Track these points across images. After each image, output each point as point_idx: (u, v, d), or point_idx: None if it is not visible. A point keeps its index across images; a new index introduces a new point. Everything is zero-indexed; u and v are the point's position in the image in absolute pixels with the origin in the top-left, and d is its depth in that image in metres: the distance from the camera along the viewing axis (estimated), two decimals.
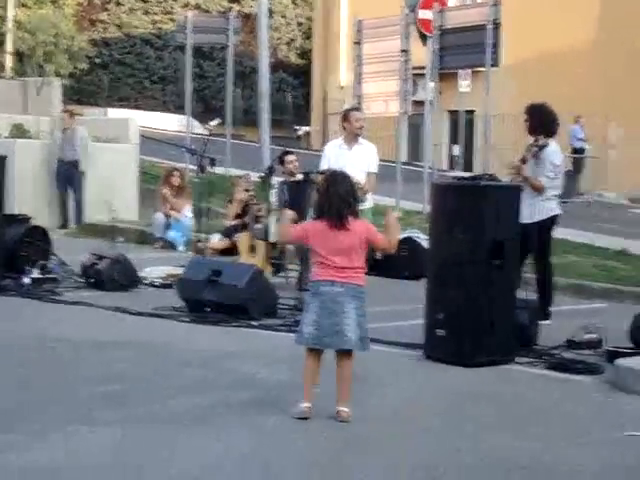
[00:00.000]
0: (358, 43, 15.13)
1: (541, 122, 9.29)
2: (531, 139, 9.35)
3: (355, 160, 10.09)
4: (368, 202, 10.20)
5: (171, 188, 14.86)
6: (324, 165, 10.03)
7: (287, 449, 5.46)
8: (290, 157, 11.76)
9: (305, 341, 5.99)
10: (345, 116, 10.32)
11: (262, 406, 6.26)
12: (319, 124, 33.00)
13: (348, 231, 5.95)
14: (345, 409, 5.92)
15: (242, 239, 11.34)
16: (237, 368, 7.31)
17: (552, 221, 9.31)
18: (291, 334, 6.84)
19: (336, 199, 5.97)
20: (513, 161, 9.49)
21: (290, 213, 6.95)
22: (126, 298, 10.11)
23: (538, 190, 9.07)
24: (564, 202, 22.75)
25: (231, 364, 7.45)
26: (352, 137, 10.23)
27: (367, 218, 9.89)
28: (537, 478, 5.19)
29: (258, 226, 11.16)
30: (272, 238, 10.56)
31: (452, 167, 28.87)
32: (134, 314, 9.29)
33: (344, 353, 6.00)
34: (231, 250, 13.07)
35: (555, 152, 9.26)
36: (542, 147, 9.18)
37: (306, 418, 5.89)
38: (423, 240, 12.53)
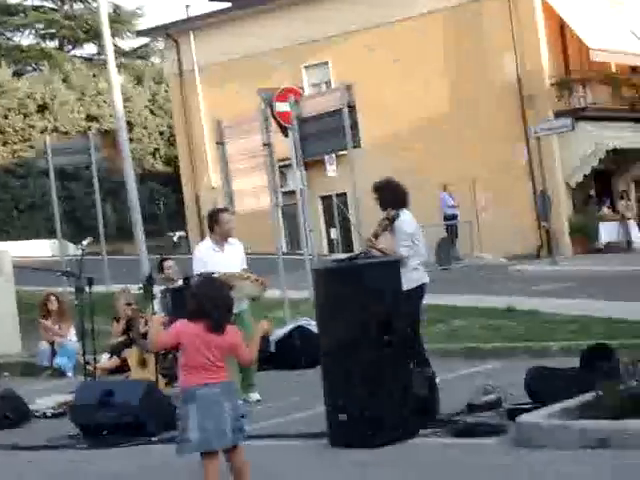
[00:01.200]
0: (221, 143, 15.21)
1: (389, 196, 9.49)
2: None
3: (229, 261, 10.08)
4: (245, 303, 10.10)
5: (50, 314, 14.54)
6: (200, 268, 9.93)
7: None
8: (168, 263, 11.68)
9: (195, 448, 5.98)
10: (214, 218, 10.26)
11: None
12: (196, 228, 32.93)
13: (224, 335, 6.03)
14: None
15: (131, 354, 11.14)
16: None
17: (420, 290, 9.39)
18: None
19: (218, 303, 6.05)
20: (368, 237, 9.68)
21: (157, 318, 6.89)
22: (19, 434, 9.75)
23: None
24: (444, 269, 23.37)
25: None
26: (222, 238, 10.23)
27: (244, 320, 9.83)
28: None
29: (145, 340, 10.98)
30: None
31: (332, 250, 29.15)
32: (26, 449, 8.94)
33: (234, 449, 6.05)
34: (122, 368, 12.82)
35: (406, 221, 9.41)
36: (393, 219, 9.35)
37: None
38: (314, 327, 12.54)
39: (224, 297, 6.12)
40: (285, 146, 15.36)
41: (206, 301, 6.04)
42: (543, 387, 8.01)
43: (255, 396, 10.18)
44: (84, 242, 11.68)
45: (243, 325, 9.61)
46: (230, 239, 10.28)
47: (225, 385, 6.05)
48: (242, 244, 10.50)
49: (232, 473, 6.13)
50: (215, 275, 8.79)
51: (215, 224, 10.18)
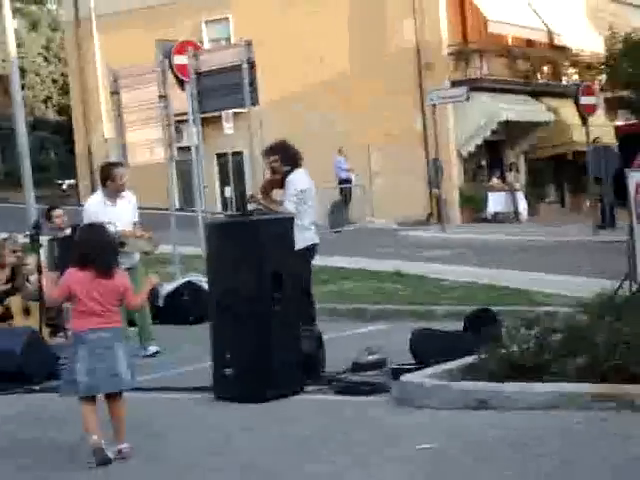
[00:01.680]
0: (116, 93, 14.91)
1: (282, 156, 9.48)
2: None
3: (120, 215, 9.98)
4: (136, 260, 10.10)
5: None
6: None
7: None
8: (57, 212, 11.45)
9: (83, 391, 6.08)
10: (107, 173, 10.10)
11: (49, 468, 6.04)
12: (86, 178, 32.38)
13: (113, 279, 6.21)
14: (126, 445, 6.15)
15: (14, 302, 10.93)
16: (17, 433, 7.06)
17: (311, 251, 9.44)
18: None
19: (104, 248, 6.24)
20: (251, 193, 9.72)
21: (51, 275, 6.93)
22: None
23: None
24: (337, 231, 23.52)
25: (10, 429, 7.20)
26: (115, 193, 10.11)
27: (136, 275, 9.76)
28: None
29: (29, 287, 10.80)
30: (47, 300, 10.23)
31: (225, 208, 29.03)
32: None
33: (117, 394, 6.22)
34: (5, 316, 12.56)
35: (297, 178, 9.42)
36: (286, 174, 9.37)
37: (102, 449, 5.99)
38: (204, 283, 12.50)
39: (108, 241, 6.37)
40: (183, 100, 15.18)
41: (91, 247, 6.22)
42: (427, 349, 8.16)
43: (154, 348, 10.19)
44: None
45: (135, 280, 9.64)
46: (122, 192, 10.16)
47: (116, 331, 6.22)
48: (135, 196, 10.39)
49: (112, 420, 6.24)
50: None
51: (108, 179, 10.03)
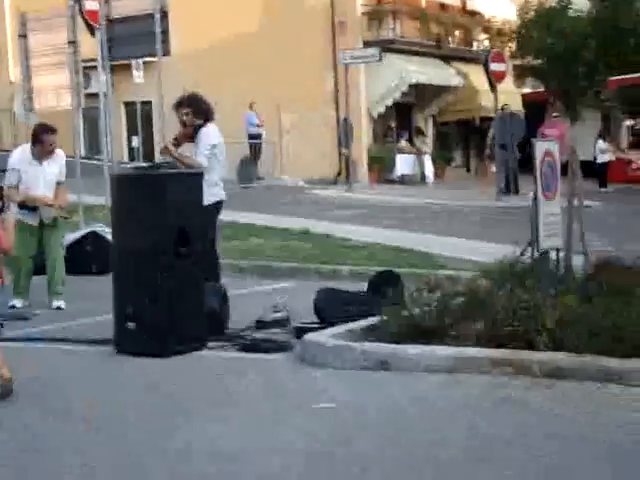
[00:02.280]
0: (24, 36, 14.57)
1: (194, 109, 9.39)
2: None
3: (45, 175, 9.98)
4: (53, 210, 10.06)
5: None
6: (13, 178, 9.69)
7: None
8: None
9: None
10: (37, 137, 9.94)
11: None
12: None
13: None
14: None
15: None
16: None
17: (217, 207, 9.40)
18: None
19: None
20: (165, 143, 9.63)
21: None
22: None
23: (194, 168, 9.07)
24: (245, 187, 23.43)
25: None
26: (41, 155, 9.97)
27: (61, 225, 10.12)
28: (241, 463, 5.22)
29: None
30: None
31: (132, 159, 28.67)
32: None
33: None
34: None
35: (210, 132, 9.34)
36: (198, 127, 9.30)
37: None
38: (108, 234, 12.36)
39: None
40: (93, 45, 14.90)
41: None
42: (330, 308, 8.22)
43: (58, 304, 10.05)
44: None
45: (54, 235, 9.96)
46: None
47: None
48: (63, 156, 10.23)
49: None
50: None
51: (37, 141, 9.91)
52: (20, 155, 10.04)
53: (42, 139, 9.95)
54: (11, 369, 6.47)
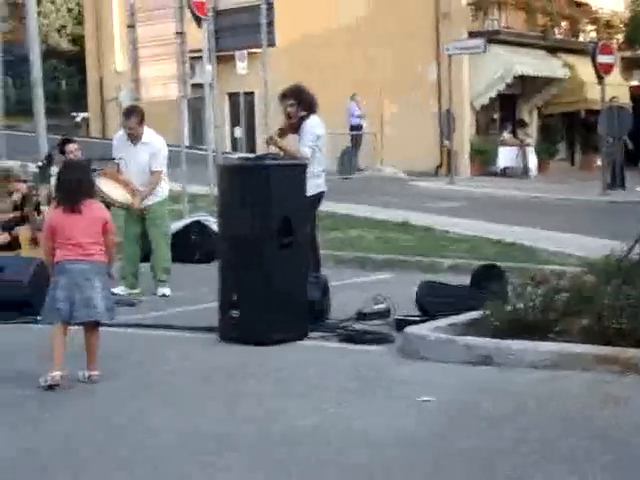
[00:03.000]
0: (132, 26, 14.83)
1: (302, 101, 9.42)
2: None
3: (139, 157, 10.12)
4: (155, 198, 10.24)
5: None
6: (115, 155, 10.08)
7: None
8: (71, 146, 11.47)
9: (62, 317, 6.46)
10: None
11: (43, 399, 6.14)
12: (97, 111, 32.27)
13: (82, 214, 6.55)
14: (95, 372, 6.57)
15: (23, 232, 10.96)
16: (21, 364, 7.10)
17: (318, 198, 9.42)
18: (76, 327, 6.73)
19: (68, 186, 6.64)
20: (270, 134, 9.67)
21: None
22: None
23: (297, 158, 9.11)
24: (345, 178, 23.47)
25: (15, 361, 7.25)
26: (130, 137, 10.16)
27: (158, 213, 10.20)
28: (335, 451, 5.24)
29: (39, 217, 10.81)
30: None
31: (235, 149, 28.96)
32: None
33: (92, 324, 6.61)
34: (12, 244, 12.60)
35: (315, 124, 9.37)
36: (302, 119, 9.33)
37: (57, 385, 6.31)
38: (212, 223, 12.55)
39: (72, 179, 6.68)
40: (198, 37, 15.09)
41: (59, 185, 6.75)
42: (433, 301, 8.19)
43: (163, 291, 10.18)
44: None
45: (151, 219, 10.08)
46: (147, 135, 10.19)
47: (96, 265, 6.57)
48: (162, 147, 10.28)
49: (86, 349, 6.64)
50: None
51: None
52: (119, 136, 10.36)
53: (123, 122, 10.21)
54: (118, 353, 6.60)
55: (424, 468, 4.88)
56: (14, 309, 8.72)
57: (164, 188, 10.44)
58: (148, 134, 10.21)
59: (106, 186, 9.74)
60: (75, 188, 6.61)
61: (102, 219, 6.68)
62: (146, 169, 10.16)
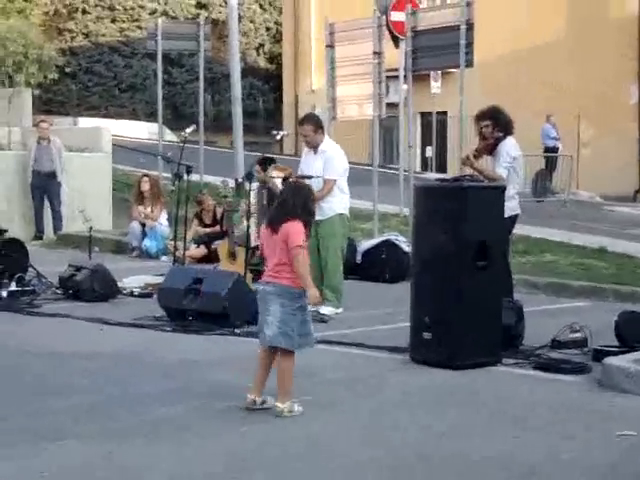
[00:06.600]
0: (330, 46, 15.04)
1: (498, 122, 9.26)
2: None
3: (316, 166, 9.83)
4: (328, 212, 9.74)
5: (143, 195, 14.78)
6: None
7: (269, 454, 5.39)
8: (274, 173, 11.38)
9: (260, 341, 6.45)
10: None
11: (244, 413, 6.22)
12: (291, 128, 32.88)
13: (277, 234, 6.24)
14: (279, 404, 6.14)
15: (222, 246, 11.25)
16: (219, 376, 7.25)
17: (512, 221, 9.23)
18: None
19: (272, 205, 6.66)
20: (466, 154, 9.52)
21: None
22: (105, 308, 10.02)
23: (494, 180, 8.96)
24: (539, 201, 23.04)
25: (213, 372, 7.39)
26: (309, 145, 10.09)
27: (327, 230, 9.73)
28: (529, 478, 5.12)
29: (238, 232, 11.07)
30: (253, 243, 10.49)
31: (425, 168, 28.91)
32: (114, 324, 9.19)
33: (276, 350, 6.26)
34: (209, 257, 12.98)
35: (512, 145, 9.22)
36: (499, 139, 9.18)
37: (247, 408, 6.20)
38: (402, 242, 12.55)
39: (278, 198, 6.60)
40: (393, 57, 15.15)
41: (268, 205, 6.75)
42: (634, 332, 7.89)
43: (324, 310, 9.58)
44: (188, 130, 11.73)
45: (323, 233, 9.68)
46: (326, 145, 9.98)
47: (280, 288, 6.18)
48: (332, 152, 9.95)
49: None
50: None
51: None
52: (306, 150, 10.19)
53: (299, 129, 10.19)
54: (311, 369, 6.60)
55: None
56: (212, 321, 8.94)
57: (338, 203, 9.87)
58: (326, 143, 10.00)
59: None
60: (275, 207, 6.42)
61: (286, 235, 6.21)
62: (320, 177, 9.77)
